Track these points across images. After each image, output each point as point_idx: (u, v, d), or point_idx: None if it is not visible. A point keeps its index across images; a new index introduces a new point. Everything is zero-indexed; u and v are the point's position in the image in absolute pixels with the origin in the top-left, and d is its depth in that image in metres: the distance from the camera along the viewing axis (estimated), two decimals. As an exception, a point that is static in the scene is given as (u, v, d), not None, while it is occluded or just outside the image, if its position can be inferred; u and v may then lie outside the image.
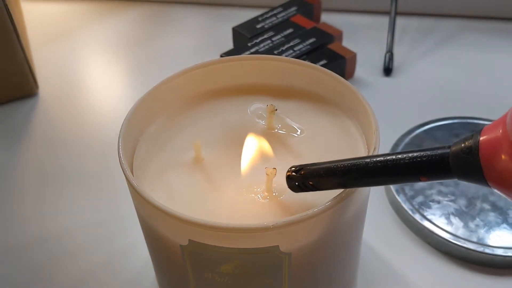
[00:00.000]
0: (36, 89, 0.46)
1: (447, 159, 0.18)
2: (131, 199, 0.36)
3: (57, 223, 0.36)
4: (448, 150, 0.18)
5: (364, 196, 0.25)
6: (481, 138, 0.17)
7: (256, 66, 0.30)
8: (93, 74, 0.49)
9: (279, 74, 0.30)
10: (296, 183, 0.23)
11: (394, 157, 0.19)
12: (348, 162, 0.21)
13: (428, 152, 0.18)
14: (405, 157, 0.19)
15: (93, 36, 0.53)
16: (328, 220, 0.22)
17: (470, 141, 0.17)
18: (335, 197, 0.22)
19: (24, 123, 0.44)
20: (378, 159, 0.20)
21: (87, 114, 0.45)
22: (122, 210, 0.36)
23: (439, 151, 0.18)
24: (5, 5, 0.40)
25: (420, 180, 0.19)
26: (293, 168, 0.23)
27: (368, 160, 0.20)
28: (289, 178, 0.23)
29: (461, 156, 0.17)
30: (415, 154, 0.19)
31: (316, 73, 0.29)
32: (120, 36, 0.53)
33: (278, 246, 0.22)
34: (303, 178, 0.23)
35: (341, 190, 0.22)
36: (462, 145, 0.17)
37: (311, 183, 0.22)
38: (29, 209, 0.37)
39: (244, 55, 0.30)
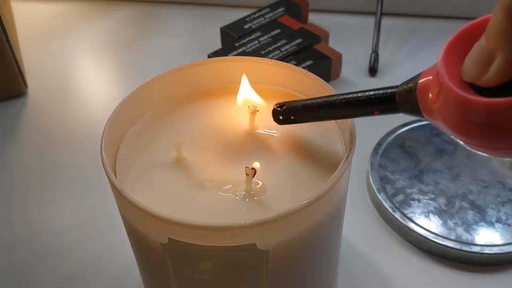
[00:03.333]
0: (25, 89, 0.46)
1: (394, 96, 0.22)
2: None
3: (44, 222, 0.36)
4: (395, 90, 0.22)
5: (341, 195, 0.25)
6: (419, 82, 0.21)
7: (239, 67, 0.30)
8: (82, 74, 0.49)
9: (262, 75, 0.30)
10: (280, 117, 0.27)
11: (354, 95, 0.24)
12: (320, 99, 0.26)
13: (380, 91, 0.23)
14: (363, 95, 0.24)
15: (82, 36, 0.53)
16: (304, 218, 0.23)
17: (411, 83, 0.22)
18: (311, 196, 0.22)
19: (13, 123, 0.44)
20: (343, 96, 0.25)
21: (76, 114, 0.45)
22: (109, 209, 0.37)
23: (389, 91, 0.23)
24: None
25: (374, 114, 0.24)
26: (278, 104, 0.27)
27: (336, 97, 0.25)
28: (274, 113, 0.28)
29: (404, 94, 0.22)
30: (371, 92, 0.23)
31: (296, 75, 0.29)
32: (109, 36, 0.53)
33: (255, 243, 0.22)
34: (285, 112, 0.27)
35: (315, 190, 0.23)
36: (405, 86, 0.22)
37: (292, 117, 0.27)
38: (16, 208, 0.37)
39: (228, 57, 0.31)
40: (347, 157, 0.24)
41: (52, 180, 0.39)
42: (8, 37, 0.43)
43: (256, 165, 0.26)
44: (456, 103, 0.19)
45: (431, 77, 0.20)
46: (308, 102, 0.26)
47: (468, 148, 0.20)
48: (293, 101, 0.27)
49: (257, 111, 0.28)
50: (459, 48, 0.20)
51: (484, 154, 0.20)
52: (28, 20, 0.55)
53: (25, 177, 0.40)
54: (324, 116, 0.26)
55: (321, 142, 0.28)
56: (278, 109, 0.27)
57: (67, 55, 0.51)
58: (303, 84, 0.29)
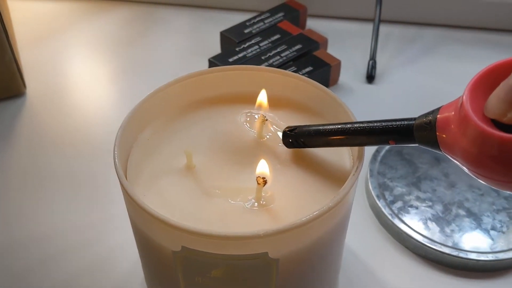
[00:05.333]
0: (23, 89, 0.46)
1: (411, 128, 0.23)
2: (117, 201, 0.37)
3: (42, 224, 0.36)
4: (413, 122, 0.23)
5: (349, 205, 0.26)
6: (438, 116, 0.22)
7: (248, 76, 0.31)
8: (80, 74, 0.49)
9: (269, 84, 0.31)
10: (290, 140, 0.28)
11: (370, 124, 0.24)
12: (334, 125, 0.26)
13: (398, 122, 0.24)
14: (379, 125, 0.24)
15: (80, 36, 0.53)
16: (315, 228, 0.23)
17: (430, 116, 0.22)
18: (323, 207, 0.23)
19: (11, 123, 0.44)
20: (357, 125, 0.25)
21: (75, 114, 0.45)
22: (109, 212, 0.37)
23: (406, 122, 0.23)
24: (-4, 6, 0.40)
25: (388, 143, 0.24)
26: (289, 128, 0.28)
27: (350, 125, 0.25)
28: (284, 136, 0.28)
29: (423, 127, 0.22)
30: (387, 123, 0.24)
31: (303, 84, 0.30)
32: (108, 36, 0.53)
33: (267, 252, 0.23)
34: (296, 136, 0.27)
35: (323, 203, 0.23)
36: (424, 119, 0.22)
37: (302, 140, 0.27)
38: (14, 210, 0.37)
39: (236, 66, 0.31)
40: (357, 168, 0.25)
41: (50, 181, 0.39)
42: (8, 36, 0.42)
43: (267, 174, 0.26)
44: (478, 135, 0.20)
45: (452, 112, 0.21)
46: (321, 128, 0.26)
47: (480, 181, 0.21)
48: (305, 126, 0.27)
49: (266, 120, 0.29)
50: (484, 85, 0.21)
51: (496, 188, 0.21)
52: (26, 19, 0.54)
53: (22, 178, 0.40)
54: (336, 143, 0.26)
55: (328, 151, 0.28)
56: (289, 132, 0.27)
57: (66, 55, 0.51)
58: (310, 93, 0.30)
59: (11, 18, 0.50)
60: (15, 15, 0.52)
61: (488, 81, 0.21)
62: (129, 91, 0.47)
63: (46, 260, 0.34)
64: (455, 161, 0.22)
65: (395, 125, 0.24)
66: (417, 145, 0.23)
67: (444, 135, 0.22)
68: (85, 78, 0.49)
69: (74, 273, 0.34)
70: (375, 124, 0.24)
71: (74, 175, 0.40)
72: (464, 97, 0.21)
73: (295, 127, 0.28)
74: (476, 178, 0.21)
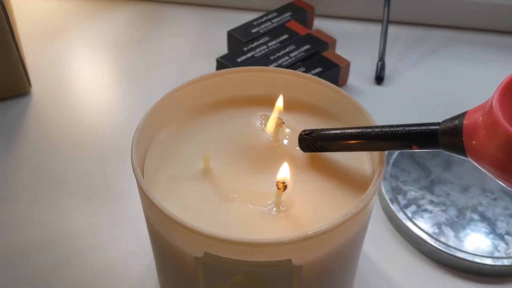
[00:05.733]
0: (29, 88, 0.45)
1: (436, 133, 0.22)
2: (125, 203, 0.36)
3: (49, 226, 0.36)
4: (437, 127, 0.22)
5: (370, 211, 0.26)
6: (465, 121, 0.21)
7: (262, 77, 0.31)
8: (86, 73, 0.49)
9: (284, 86, 0.30)
10: (307, 144, 0.27)
11: (392, 128, 0.24)
12: (354, 129, 0.25)
13: (422, 127, 0.23)
14: (402, 129, 0.24)
15: (86, 35, 0.52)
16: (339, 235, 0.23)
17: (456, 121, 0.22)
18: (347, 213, 0.22)
19: (17, 122, 0.43)
20: (379, 129, 0.24)
21: (80, 113, 0.44)
22: (118, 214, 0.36)
23: (430, 127, 0.23)
24: (2, 5, 0.39)
25: (412, 148, 0.23)
26: (306, 131, 0.27)
27: (371, 129, 0.25)
28: (301, 140, 0.27)
29: (448, 132, 0.22)
30: (410, 127, 0.23)
31: (319, 86, 0.30)
32: (114, 35, 0.52)
33: (291, 259, 0.23)
34: (313, 140, 0.27)
35: (344, 209, 0.23)
36: (450, 124, 0.22)
37: (319, 144, 0.26)
38: (21, 211, 0.37)
39: (250, 67, 0.31)
40: (379, 173, 0.24)
41: (57, 181, 0.39)
42: (14, 35, 0.42)
43: (288, 179, 0.26)
44: (508, 142, 0.19)
45: (480, 117, 0.21)
46: (340, 132, 0.26)
47: (508, 187, 0.21)
48: (322, 129, 0.27)
49: (283, 123, 0.28)
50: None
51: None
52: (30, 17, 0.54)
53: (29, 178, 0.39)
54: (356, 147, 0.26)
55: (345, 155, 0.28)
56: (306, 136, 0.27)
57: (71, 54, 0.50)
58: (327, 96, 0.30)
59: (14, 16, 0.50)
60: (20, 14, 0.51)
61: None
62: (135, 91, 0.46)
63: (56, 264, 0.34)
64: (480, 167, 0.22)
65: (418, 130, 0.23)
66: (440, 150, 0.23)
67: (471, 141, 0.21)
68: (91, 77, 0.48)
69: (83, 277, 0.33)
70: (398, 129, 0.24)
71: (81, 176, 0.39)
72: (493, 101, 0.20)
73: (312, 131, 0.27)
74: (502, 184, 0.21)
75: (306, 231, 0.22)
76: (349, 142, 0.26)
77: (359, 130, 0.25)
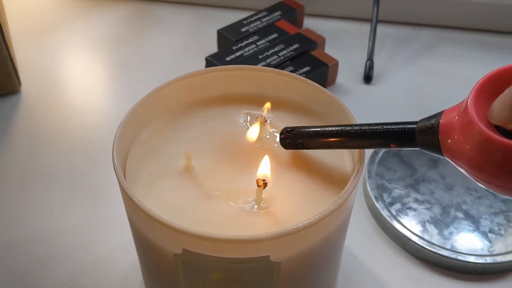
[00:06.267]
0: (19, 87, 0.45)
1: (413, 132, 0.23)
2: (114, 200, 0.37)
3: (37, 224, 0.36)
4: (415, 126, 0.23)
5: (350, 208, 0.26)
6: (441, 121, 0.21)
7: (247, 76, 0.31)
8: (76, 72, 0.49)
9: (269, 85, 0.31)
10: (288, 141, 0.27)
11: (371, 127, 0.24)
12: (334, 127, 0.26)
13: (400, 125, 0.23)
14: (380, 128, 0.24)
15: (76, 33, 0.52)
16: (317, 231, 0.23)
17: (433, 120, 0.22)
18: (325, 210, 0.23)
19: (6, 120, 0.43)
20: (357, 127, 0.24)
21: (70, 112, 0.45)
22: (105, 212, 0.37)
23: (408, 126, 0.23)
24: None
25: (390, 147, 0.24)
26: (287, 129, 0.27)
27: (350, 127, 0.25)
28: (283, 137, 0.27)
29: (425, 131, 0.22)
30: (388, 126, 0.24)
31: (303, 85, 0.30)
32: (104, 33, 0.52)
33: (269, 256, 0.23)
34: (294, 137, 0.27)
35: (324, 206, 0.23)
36: (427, 123, 0.22)
37: (300, 141, 0.27)
38: (10, 209, 0.37)
39: (235, 66, 0.31)
40: (358, 171, 0.25)
41: (46, 179, 0.39)
42: (3, 33, 0.42)
43: (268, 176, 0.26)
44: (482, 141, 0.19)
45: (456, 117, 0.21)
46: (320, 129, 0.26)
47: (480, 185, 0.21)
48: (303, 127, 0.27)
49: (266, 121, 0.29)
50: (489, 90, 0.20)
51: (495, 192, 0.21)
52: (21, 15, 0.54)
53: (17, 175, 0.39)
54: (336, 145, 0.26)
55: (327, 153, 0.28)
56: (287, 133, 0.27)
57: (61, 53, 0.50)
58: (310, 94, 0.30)
59: (5, 13, 0.50)
60: (10, 12, 0.51)
61: (493, 86, 0.20)
62: (125, 89, 0.46)
63: (43, 260, 0.34)
64: (455, 165, 0.22)
65: (396, 128, 0.23)
66: (418, 148, 0.23)
67: (446, 140, 0.21)
68: (80, 75, 0.48)
69: (71, 273, 0.33)
70: (376, 127, 0.24)
71: (70, 173, 0.39)
72: (468, 101, 0.20)
73: (293, 128, 0.27)
74: (476, 182, 0.21)
75: (284, 228, 0.22)
76: (329, 139, 0.26)
77: (339, 128, 0.25)
